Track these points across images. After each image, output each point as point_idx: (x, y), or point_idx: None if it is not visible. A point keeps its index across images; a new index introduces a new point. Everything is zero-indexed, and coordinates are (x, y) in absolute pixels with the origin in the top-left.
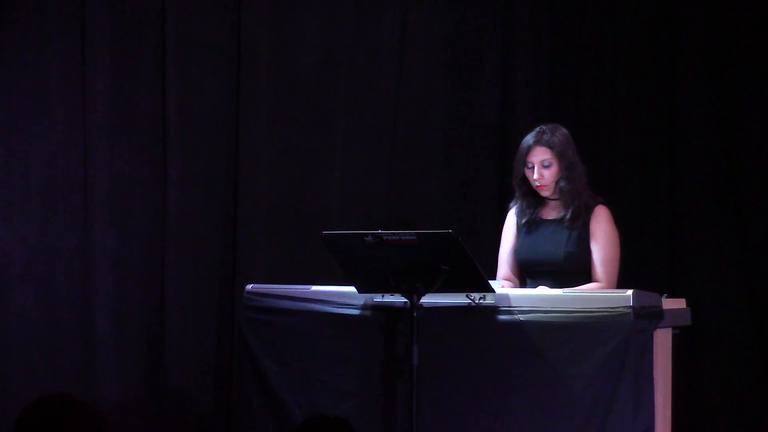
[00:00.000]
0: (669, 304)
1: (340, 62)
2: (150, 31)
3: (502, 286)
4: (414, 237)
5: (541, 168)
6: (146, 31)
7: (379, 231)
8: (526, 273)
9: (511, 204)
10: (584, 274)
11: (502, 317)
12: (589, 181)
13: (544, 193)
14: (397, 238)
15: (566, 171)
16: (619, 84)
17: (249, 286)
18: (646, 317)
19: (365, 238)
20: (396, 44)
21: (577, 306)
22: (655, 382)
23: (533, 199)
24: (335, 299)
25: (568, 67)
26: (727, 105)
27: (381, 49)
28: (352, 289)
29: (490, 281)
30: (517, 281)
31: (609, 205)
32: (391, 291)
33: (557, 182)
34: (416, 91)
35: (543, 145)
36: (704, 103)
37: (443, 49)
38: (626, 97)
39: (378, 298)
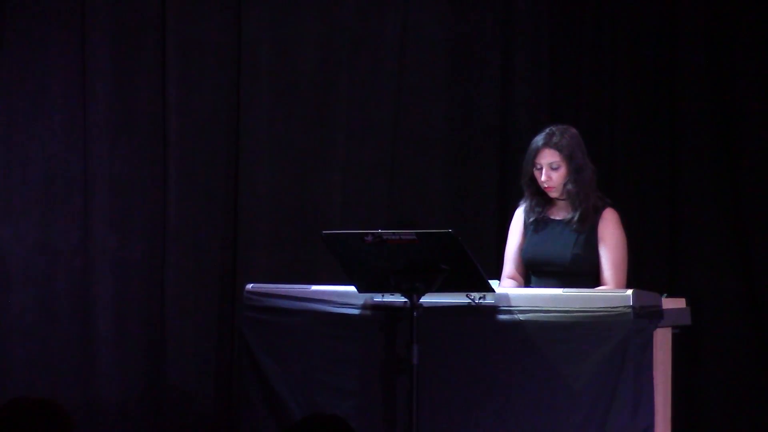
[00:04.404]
0: (669, 303)
1: (340, 62)
2: (150, 31)
3: (503, 285)
4: (414, 237)
5: (550, 170)
6: (146, 31)
7: (379, 231)
8: (532, 272)
9: (520, 202)
10: (590, 276)
11: (502, 317)
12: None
13: (552, 195)
14: (397, 237)
15: (574, 174)
16: (619, 84)
17: (249, 286)
18: (646, 317)
19: (365, 238)
20: (396, 44)
21: (577, 306)
22: (655, 381)
23: (542, 198)
24: (335, 299)
25: (568, 67)
26: (727, 105)
27: (381, 50)
28: (352, 289)
29: (490, 280)
30: (521, 280)
31: (616, 207)
32: (391, 291)
33: (565, 184)
34: (417, 92)
35: (552, 147)
36: (704, 103)
37: (444, 50)
38: (626, 97)
39: (378, 298)
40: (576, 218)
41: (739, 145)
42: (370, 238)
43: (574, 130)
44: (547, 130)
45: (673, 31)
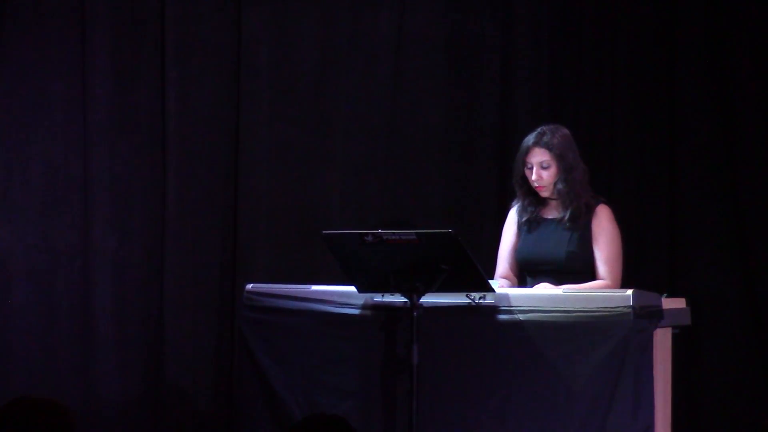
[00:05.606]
0: (669, 303)
1: (339, 62)
2: (150, 31)
3: (501, 285)
4: (414, 237)
5: (540, 169)
6: (146, 31)
7: (379, 231)
8: (527, 272)
9: (513, 203)
10: (585, 274)
11: (502, 317)
12: (590, 180)
13: (543, 194)
14: (397, 237)
15: (564, 173)
16: (619, 84)
17: (249, 286)
18: (646, 317)
19: (365, 238)
20: (393, 44)
21: (577, 305)
22: (655, 381)
23: (534, 198)
24: (335, 299)
25: (568, 67)
26: (727, 105)
27: (378, 49)
28: (352, 289)
29: (490, 280)
30: (515, 280)
31: (610, 204)
32: (391, 291)
33: (555, 183)
34: (414, 91)
35: (542, 146)
36: (704, 103)
37: (442, 49)
38: (626, 97)
39: (378, 298)
40: (567, 217)
41: (738, 144)
42: (370, 238)
43: (565, 130)
44: (539, 130)
45: (672, 31)
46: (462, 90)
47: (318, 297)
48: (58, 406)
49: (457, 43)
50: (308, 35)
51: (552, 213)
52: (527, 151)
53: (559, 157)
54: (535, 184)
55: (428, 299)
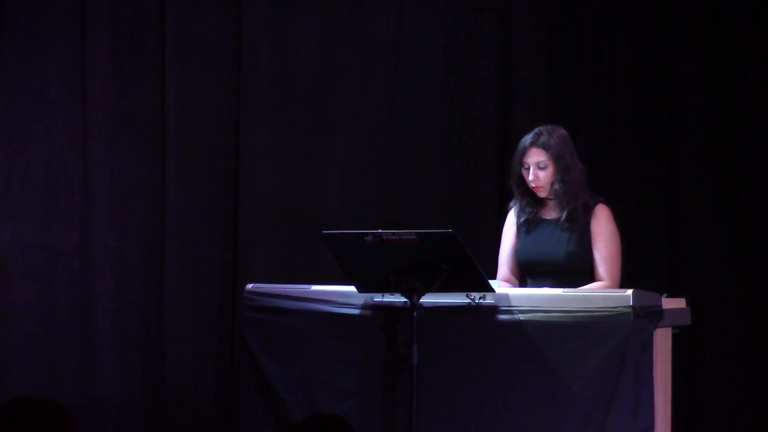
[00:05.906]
0: (669, 303)
1: (339, 62)
2: (150, 31)
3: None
4: (414, 237)
5: (537, 169)
6: (146, 32)
7: (380, 230)
8: (527, 273)
9: (511, 204)
10: (585, 274)
11: (502, 317)
12: (589, 180)
13: (541, 194)
14: (397, 237)
15: (561, 173)
16: (619, 84)
17: (249, 286)
18: (646, 317)
19: (365, 238)
20: (393, 44)
21: (577, 306)
22: (655, 381)
23: (531, 198)
24: (335, 299)
25: (568, 67)
26: (727, 105)
27: (378, 49)
28: (352, 289)
29: (490, 280)
30: (516, 283)
31: (609, 203)
32: (391, 291)
33: (552, 184)
34: (414, 91)
35: (539, 146)
36: (704, 103)
37: (441, 49)
38: (626, 97)
39: (378, 298)
40: (564, 218)
41: (738, 144)
42: (370, 238)
43: (562, 131)
44: (536, 130)
45: (672, 31)
46: (462, 90)
47: (318, 297)
48: (58, 406)
49: (456, 43)
50: (308, 35)
51: (550, 213)
52: (524, 151)
53: (556, 158)
54: (532, 185)
55: (428, 299)
